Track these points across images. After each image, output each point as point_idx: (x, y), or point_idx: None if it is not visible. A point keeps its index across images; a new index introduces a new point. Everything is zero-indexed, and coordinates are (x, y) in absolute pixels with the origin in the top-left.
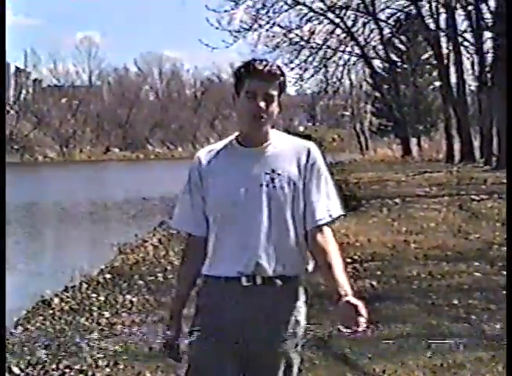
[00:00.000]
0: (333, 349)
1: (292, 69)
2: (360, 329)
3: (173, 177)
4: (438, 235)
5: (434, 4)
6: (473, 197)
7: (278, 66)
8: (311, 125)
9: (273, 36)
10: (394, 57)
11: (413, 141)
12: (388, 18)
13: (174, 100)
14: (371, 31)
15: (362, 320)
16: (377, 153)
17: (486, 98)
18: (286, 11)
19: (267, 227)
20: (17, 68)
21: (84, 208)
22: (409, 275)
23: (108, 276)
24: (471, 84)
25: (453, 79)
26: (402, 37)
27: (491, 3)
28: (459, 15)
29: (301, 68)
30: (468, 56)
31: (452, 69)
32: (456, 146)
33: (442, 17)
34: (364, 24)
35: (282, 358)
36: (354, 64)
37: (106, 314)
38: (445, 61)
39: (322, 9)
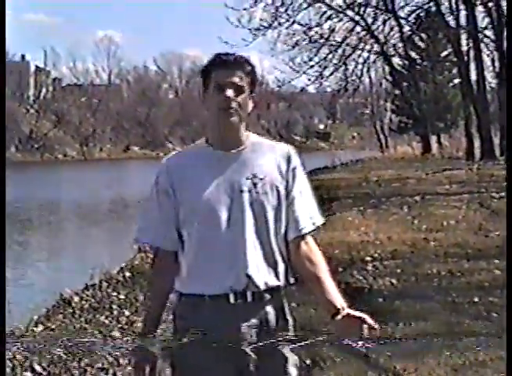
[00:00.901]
0: (352, 347)
1: (311, 67)
2: (369, 341)
3: None
4: (458, 233)
5: (454, 1)
6: (493, 194)
7: (244, 56)
8: (331, 123)
9: (293, 34)
10: (413, 54)
11: (433, 138)
12: (408, 15)
13: (194, 98)
14: (391, 29)
15: (373, 331)
16: (397, 150)
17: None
18: (305, 9)
19: (252, 236)
20: (37, 67)
21: (104, 206)
22: (429, 273)
23: (128, 274)
24: (491, 81)
25: (473, 76)
26: (422, 35)
27: None
28: (480, 11)
29: (320, 66)
30: (488, 52)
31: (472, 66)
32: (477, 144)
33: (462, 14)
34: (384, 22)
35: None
36: (373, 62)
37: (127, 312)
38: (465, 58)
39: (341, 7)
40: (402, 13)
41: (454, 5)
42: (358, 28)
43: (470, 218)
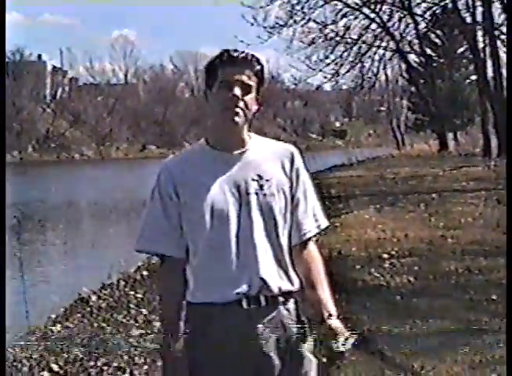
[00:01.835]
0: (370, 345)
1: (327, 64)
2: (342, 354)
3: None
4: (475, 230)
5: None
6: None
7: (254, 55)
8: (347, 121)
9: (308, 32)
10: (429, 51)
11: (450, 136)
12: (424, 12)
13: None
14: (407, 26)
15: (342, 347)
16: (414, 148)
17: None
18: (321, 6)
19: (263, 240)
20: (54, 67)
21: (121, 205)
22: (447, 270)
23: (145, 273)
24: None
25: (490, 73)
26: (438, 32)
27: None
28: (496, 8)
29: (336, 64)
30: (505, 49)
31: (489, 63)
32: (493, 141)
33: (479, 11)
34: (399, 19)
35: None
36: (389, 59)
37: (144, 311)
38: (482, 55)
39: (357, 4)
40: (417, 10)
41: (470, 2)
42: (373, 25)
43: (488, 215)
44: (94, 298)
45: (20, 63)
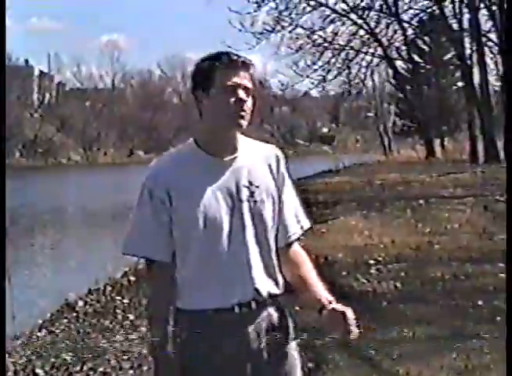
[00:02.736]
0: (357, 350)
1: (315, 70)
2: (352, 335)
3: None
4: (462, 236)
5: (457, 4)
6: (497, 197)
7: (250, 59)
8: (334, 127)
9: (296, 38)
10: (417, 58)
11: (437, 142)
12: (411, 19)
13: None
14: (394, 32)
15: (353, 327)
16: (401, 154)
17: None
18: (308, 12)
19: (254, 247)
20: (41, 72)
21: (108, 211)
22: (434, 276)
23: (132, 278)
24: (495, 84)
25: (477, 79)
26: (425, 38)
27: None
28: (483, 15)
29: (323, 70)
30: (492, 56)
31: (476, 69)
32: (480, 147)
33: (466, 17)
34: (387, 25)
35: None
36: (377, 65)
37: (131, 316)
38: (469, 61)
39: (344, 11)
40: (405, 17)
41: (457, 9)
42: (361, 32)
43: (475, 221)
44: (80, 303)
45: (7, 68)
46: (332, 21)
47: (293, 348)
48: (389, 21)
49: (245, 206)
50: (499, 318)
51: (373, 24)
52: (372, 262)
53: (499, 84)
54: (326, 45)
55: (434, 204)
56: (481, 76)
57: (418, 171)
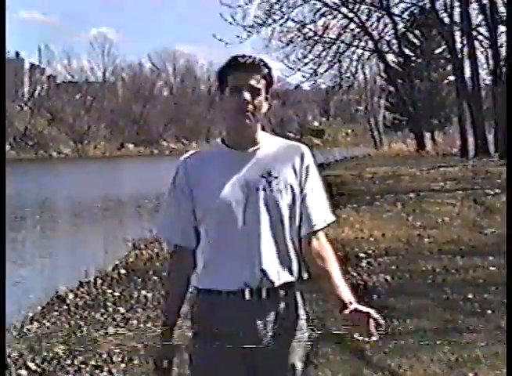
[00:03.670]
0: (348, 345)
1: (306, 64)
2: (374, 337)
3: None
4: (452, 229)
5: None
6: (487, 191)
7: (261, 59)
8: (325, 120)
9: (287, 31)
10: (408, 51)
11: (427, 135)
12: (402, 12)
13: (189, 96)
14: (385, 26)
15: (378, 326)
16: (391, 147)
17: (501, 92)
18: (299, 6)
19: (267, 234)
20: (32, 64)
21: (98, 204)
22: (424, 269)
23: (123, 271)
24: (485, 78)
25: (467, 73)
26: (416, 32)
27: None
28: (474, 9)
29: (314, 63)
30: (482, 49)
31: (467, 63)
32: (471, 141)
33: (456, 11)
34: (378, 19)
35: (290, 370)
36: (368, 59)
37: (121, 309)
38: (460, 55)
39: (335, 4)
40: (396, 10)
41: (448, 2)
42: (352, 25)
43: (465, 214)
44: (71, 296)
45: None
46: (323, 15)
47: (300, 340)
48: (380, 15)
49: (261, 195)
50: (489, 311)
51: (363, 18)
52: (362, 255)
53: (489, 78)
54: (316, 38)
55: (425, 198)
56: (472, 70)
57: (408, 164)
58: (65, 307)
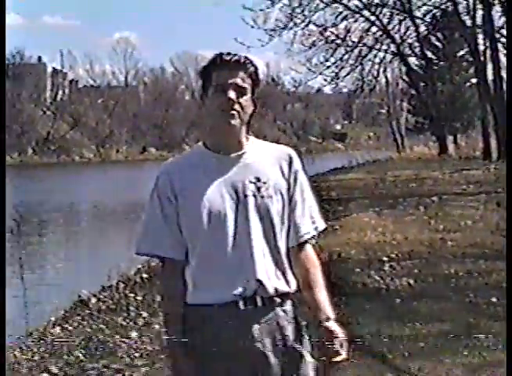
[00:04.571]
0: (370, 347)
1: (328, 67)
2: (336, 359)
3: None
4: (475, 233)
5: (471, 0)
6: None
7: (247, 57)
8: (347, 124)
9: (309, 34)
10: (430, 54)
11: (450, 138)
12: (424, 15)
13: None
14: (407, 29)
15: (340, 349)
16: (414, 150)
17: None
18: (321, 9)
19: (260, 242)
20: (54, 69)
21: (121, 208)
22: (447, 273)
23: (145, 275)
24: None
25: (490, 76)
26: (439, 35)
27: None
28: (497, 11)
29: (336, 66)
30: (505, 52)
31: (489, 66)
32: (493, 144)
33: (479, 14)
34: (400, 22)
35: None
36: (390, 62)
37: (144, 314)
38: (482, 58)
39: (357, 7)
40: (418, 13)
41: (471, 5)
42: (374, 28)
43: (488, 218)
44: (93, 300)
45: (20, 65)
46: (345, 18)
47: (305, 350)
48: (402, 18)
49: (250, 201)
50: None
51: (385, 21)
52: (385, 258)
53: None
54: (338, 41)
55: (447, 201)
56: (495, 72)
57: (431, 167)
58: (87, 311)
